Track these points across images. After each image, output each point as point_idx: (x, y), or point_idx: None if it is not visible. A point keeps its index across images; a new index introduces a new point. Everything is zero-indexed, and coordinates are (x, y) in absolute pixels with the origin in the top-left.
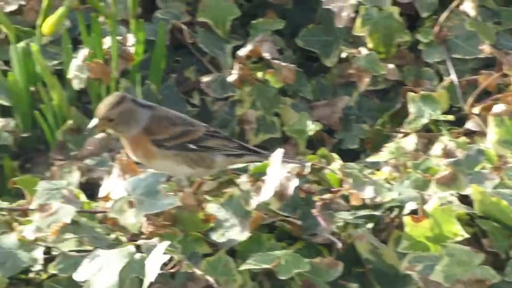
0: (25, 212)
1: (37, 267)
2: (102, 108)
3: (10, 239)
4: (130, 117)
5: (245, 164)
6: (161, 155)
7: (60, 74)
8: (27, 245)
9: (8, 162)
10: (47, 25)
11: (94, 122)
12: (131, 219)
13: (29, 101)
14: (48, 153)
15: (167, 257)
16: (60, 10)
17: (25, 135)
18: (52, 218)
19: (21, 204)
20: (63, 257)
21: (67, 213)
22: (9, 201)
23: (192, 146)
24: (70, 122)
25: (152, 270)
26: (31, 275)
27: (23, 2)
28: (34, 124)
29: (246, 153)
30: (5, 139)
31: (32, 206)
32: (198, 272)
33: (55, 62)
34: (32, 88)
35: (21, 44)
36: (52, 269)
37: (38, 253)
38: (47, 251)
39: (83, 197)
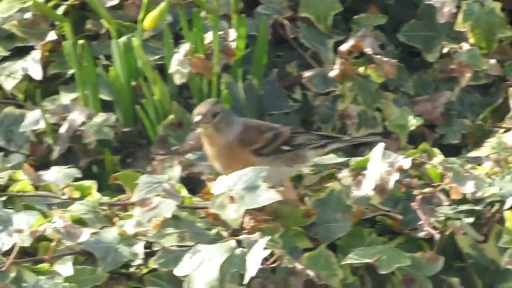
0: (125, 207)
1: (138, 261)
2: (205, 104)
3: (111, 234)
4: (228, 120)
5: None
6: (263, 163)
7: (162, 69)
8: (127, 239)
9: (109, 156)
10: (149, 20)
11: (198, 118)
12: (232, 214)
13: (131, 96)
14: (149, 148)
15: (268, 251)
16: (162, 5)
17: (126, 129)
18: (153, 212)
19: (122, 199)
20: (163, 251)
21: (168, 207)
22: (110, 196)
23: (285, 147)
24: (171, 116)
25: (253, 265)
26: (131, 269)
27: None
28: (135, 119)
29: (328, 142)
30: (107, 133)
31: (133, 199)
32: (299, 266)
33: (157, 57)
34: (133, 83)
35: (123, 39)
36: (152, 264)
37: (139, 248)
38: (148, 245)
39: (184, 192)
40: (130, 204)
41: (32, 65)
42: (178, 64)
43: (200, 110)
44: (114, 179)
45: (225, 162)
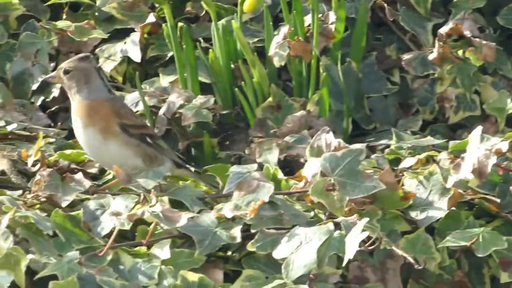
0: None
1: (235, 245)
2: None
3: (209, 217)
4: (89, 78)
5: (442, 142)
6: (123, 139)
7: (261, 52)
8: (225, 222)
9: (207, 139)
10: (248, 3)
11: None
12: (335, 203)
13: (229, 78)
14: (248, 131)
15: (366, 234)
16: None
17: (225, 112)
18: (251, 196)
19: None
20: (261, 235)
21: (266, 191)
22: (208, 177)
23: (149, 140)
24: (270, 99)
25: (351, 247)
26: (229, 253)
27: None
28: (234, 101)
29: (183, 166)
30: (205, 116)
31: (224, 191)
32: (396, 250)
33: (256, 39)
34: (232, 66)
35: (222, 21)
36: (250, 247)
37: (236, 231)
38: (245, 229)
39: (280, 175)
40: (221, 197)
41: (131, 48)
42: (277, 46)
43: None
44: (205, 171)
45: (87, 117)
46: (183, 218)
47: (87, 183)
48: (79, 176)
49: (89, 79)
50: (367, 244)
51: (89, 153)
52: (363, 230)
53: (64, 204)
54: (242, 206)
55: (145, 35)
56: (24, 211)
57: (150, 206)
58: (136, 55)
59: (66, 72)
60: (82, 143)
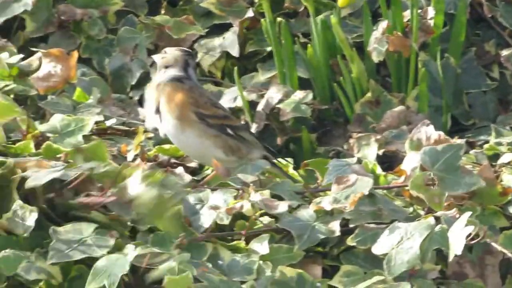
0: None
1: (334, 239)
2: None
3: (308, 212)
4: (176, 64)
5: None
6: (200, 129)
7: (359, 47)
8: (324, 217)
9: (306, 134)
10: None
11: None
12: (434, 198)
13: (328, 73)
14: (346, 126)
15: (471, 228)
16: None
17: (323, 107)
18: (350, 189)
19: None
20: (361, 229)
21: (365, 185)
22: (306, 173)
23: (230, 131)
24: (368, 94)
25: (457, 242)
26: (327, 248)
27: None
28: (332, 96)
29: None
30: (304, 111)
31: (323, 183)
32: (495, 245)
33: (355, 34)
34: (330, 61)
35: (321, 16)
36: (349, 242)
37: (335, 225)
38: (344, 223)
39: (379, 170)
40: (322, 190)
41: (230, 43)
42: (376, 42)
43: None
44: (305, 166)
45: (167, 104)
46: (282, 206)
47: (188, 178)
48: (179, 170)
49: (175, 66)
50: (468, 239)
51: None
52: (466, 224)
53: None
54: (341, 200)
55: (244, 30)
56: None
57: (249, 200)
58: (235, 50)
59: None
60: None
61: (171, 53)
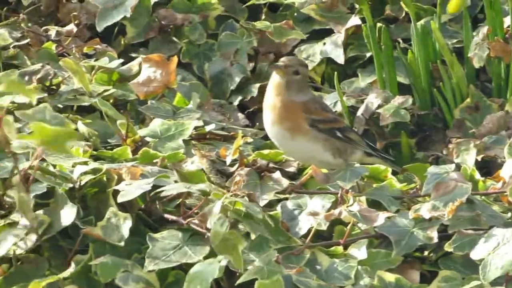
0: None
1: (432, 245)
2: (293, 60)
3: (406, 218)
4: (301, 84)
5: None
6: (314, 137)
7: (459, 52)
8: (422, 223)
9: (405, 139)
10: (452, 4)
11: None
12: None
13: (428, 79)
14: (445, 131)
15: None
16: None
17: (423, 112)
18: (448, 196)
19: (414, 189)
20: (459, 235)
21: (464, 191)
22: (404, 179)
23: (339, 134)
24: (468, 100)
25: None
26: (425, 253)
27: None
28: (432, 102)
29: (372, 153)
30: (403, 116)
31: (422, 193)
32: None
33: (455, 40)
34: (430, 66)
35: (421, 22)
36: (447, 248)
37: (433, 232)
38: (442, 229)
39: (477, 176)
40: (420, 196)
41: (333, 49)
42: (477, 47)
43: (288, 61)
44: (404, 171)
45: (278, 115)
46: (381, 218)
47: (285, 182)
48: (277, 175)
49: (302, 86)
50: None
51: (277, 145)
52: None
53: (262, 203)
54: (440, 207)
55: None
56: (232, 198)
57: (348, 206)
58: (339, 56)
59: (296, 73)
60: (269, 135)
61: (304, 71)
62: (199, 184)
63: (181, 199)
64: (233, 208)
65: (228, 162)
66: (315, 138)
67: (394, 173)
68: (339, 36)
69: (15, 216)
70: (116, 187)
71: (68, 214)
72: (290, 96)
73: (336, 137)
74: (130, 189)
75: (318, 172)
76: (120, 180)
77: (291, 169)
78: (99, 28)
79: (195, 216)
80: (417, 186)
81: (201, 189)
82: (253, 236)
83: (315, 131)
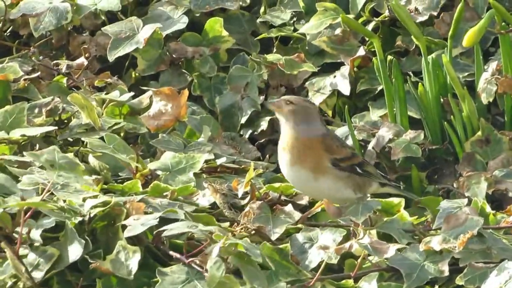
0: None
1: (443, 278)
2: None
3: (417, 250)
4: (304, 117)
5: None
6: (336, 176)
7: (471, 86)
8: (433, 256)
9: (416, 172)
10: (467, 38)
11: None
12: None
13: (439, 112)
14: (456, 164)
15: None
16: (481, 23)
17: (434, 147)
18: (459, 229)
19: (425, 222)
20: (470, 268)
21: (474, 224)
22: (416, 212)
23: (359, 169)
24: (478, 133)
25: None
26: (436, 286)
27: (434, 13)
28: (443, 135)
29: (386, 183)
30: (415, 151)
31: (434, 226)
32: None
33: (466, 73)
34: (441, 100)
35: (432, 55)
36: (459, 281)
37: (445, 265)
38: (453, 262)
39: (488, 209)
40: (431, 230)
41: (341, 81)
42: (486, 82)
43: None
44: (417, 204)
45: (297, 155)
46: (391, 250)
47: (297, 215)
48: (289, 208)
49: (309, 119)
50: None
51: (296, 187)
52: None
53: (274, 237)
54: (451, 239)
55: (355, 69)
56: (234, 239)
57: (358, 239)
58: (345, 89)
59: (290, 103)
60: (287, 177)
61: (301, 103)
62: (201, 225)
63: (186, 237)
64: (234, 250)
65: (240, 195)
66: (337, 177)
67: (406, 206)
68: (347, 68)
69: (23, 250)
70: (124, 222)
71: (76, 249)
72: (304, 132)
73: (357, 173)
74: (137, 224)
75: (330, 206)
76: (129, 214)
77: (303, 202)
78: (110, 58)
79: (197, 256)
80: (428, 220)
81: (204, 230)
82: (248, 285)
83: (337, 170)
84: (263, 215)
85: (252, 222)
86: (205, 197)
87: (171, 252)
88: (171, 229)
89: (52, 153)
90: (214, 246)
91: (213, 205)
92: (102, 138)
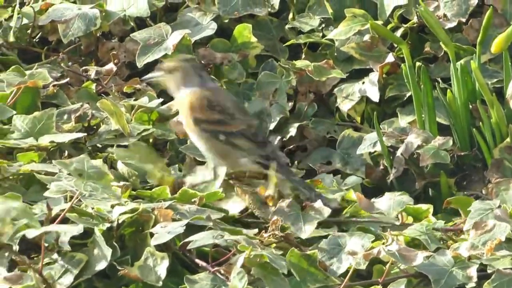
0: (459, 231)
1: (471, 284)
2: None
3: (445, 256)
4: (185, 76)
5: None
6: (196, 133)
7: (499, 92)
8: (461, 262)
9: (444, 179)
10: (495, 44)
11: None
12: None
13: (467, 119)
14: (485, 171)
15: None
16: (510, 29)
17: (462, 153)
18: (487, 235)
19: (456, 224)
20: (498, 274)
21: (502, 230)
22: (445, 219)
23: (222, 136)
24: (507, 140)
25: None
26: None
27: (463, 20)
28: (471, 141)
29: (269, 166)
30: (443, 157)
31: (465, 227)
32: None
33: (495, 80)
34: (470, 106)
35: (461, 62)
36: (486, 287)
37: (473, 271)
38: (481, 268)
39: None
40: (463, 230)
41: (370, 87)
42: None
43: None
44: (447, 204)
45: (179, 113)
46: (419, 257)
47: (327, 211)
48: (318, 204)
49: (186, 77)
50: None
51: None
52: None
53: (303, 236)
54: (479, 246)
55: (384, 75)
56: (259, 250)
57: (386, 245)
58: (374, 95)
59: (169, 71)
60: None
61: (178, 65)
62: (228, 234)
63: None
64: (259, 261)
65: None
66: (200, 136)
67: (435, 212)
68: (376, 75)
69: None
70: (152, 230)
71: (104, 256)
72: (182, 91)
73: (219, 139)
74: (164, 232)
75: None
76: (157, 220)
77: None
78: (139, 64)
79: (223, 265)
80: (458, 222)
81: (229, 240)
82: None
83: (199, 130)
84: (293, 213)
85: (283, 220)
86: (234, 204)
87: (197, 260)
88: (196, 241)
89: (81, 162)
90: (239, 256)
91: (242, 211)
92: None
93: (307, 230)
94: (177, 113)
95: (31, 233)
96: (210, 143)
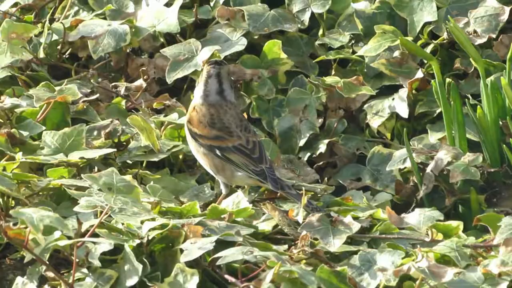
0: (489, 248)
1: None
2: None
3: (475, 273)
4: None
5: None
6: (193, 145)
7: None
8: (491, 279)
9: (475, 196)
10: None
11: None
12: None
13: (498, 135)
14: None
15: None
16: None
17: (492, 169)
18: None
19: (486, 240)
20: None
21: None
22: (475, 235)
23: (218, 152)
24: None
25: None
26: None
27: (493, 36)
28: (501, 158)
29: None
30: (473, 174)
31: (495, 242)
32: None
33: None
34: (500, 122)
35: (491, 78)
36: None
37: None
38: (511, 285)
39: None
40: (493, 246)
41: (399, 104)
42: None
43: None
44: (477, 221)
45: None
46: (449, 274)
47: (356, 226)
48: (348, 219)
49: (198, 85)
50: None
51: None
52: None
53: (332, 249)
54: (509, 262)
55: (413, 91)
56: (288, 266)
57: (416, 262)
58: (404, 111)
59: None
60: None
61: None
62: (257, 250)
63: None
64: (288, 276)
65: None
66: (196, 150)
67: (465, 229)
68: (405, 91)
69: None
70: (181, 246)
71: (135, 272)
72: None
73: (215, 155)
74: (193, 249)
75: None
76: (187, 236)
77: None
78: (169, 80)
79: (252, 281)
80: (487, 239)
81: (259, 256)
82: None
83: (195, 143)
84: (322, 227)
85: (312, 235)
86: (265, 222)
87: (226, 276)
88: (225, 256)
89: (110, 176)
90: (268, 272)
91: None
92: (161, 161)
93: (336, 244)
94: None
95: (63, 242)
96: (206, 157)
